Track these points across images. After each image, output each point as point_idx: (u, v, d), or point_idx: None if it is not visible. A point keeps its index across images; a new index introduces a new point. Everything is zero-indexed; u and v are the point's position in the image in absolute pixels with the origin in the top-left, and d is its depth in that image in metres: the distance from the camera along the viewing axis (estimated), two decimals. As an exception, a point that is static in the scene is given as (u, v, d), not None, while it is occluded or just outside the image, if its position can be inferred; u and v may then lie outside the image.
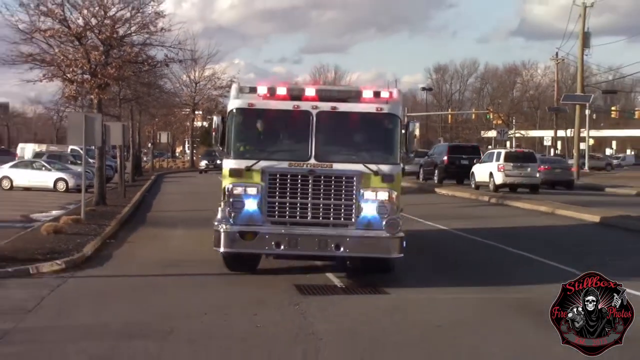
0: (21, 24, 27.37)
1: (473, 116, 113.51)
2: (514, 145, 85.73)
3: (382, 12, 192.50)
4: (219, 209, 14.21)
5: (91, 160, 31.13)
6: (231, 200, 13.84)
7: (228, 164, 14.28)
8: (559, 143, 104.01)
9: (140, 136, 71.09)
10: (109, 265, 16.85)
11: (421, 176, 52.94)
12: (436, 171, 49.74)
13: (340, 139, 14.61)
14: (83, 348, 9.97)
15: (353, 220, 13.82)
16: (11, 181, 41.97)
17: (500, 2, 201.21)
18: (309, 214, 13.88)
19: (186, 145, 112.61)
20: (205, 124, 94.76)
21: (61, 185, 41.06)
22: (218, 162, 44.39)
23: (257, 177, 13.88)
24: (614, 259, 18.13)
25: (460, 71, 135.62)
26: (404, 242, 13.82)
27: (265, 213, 13.85)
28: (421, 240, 20.52)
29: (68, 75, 27.92)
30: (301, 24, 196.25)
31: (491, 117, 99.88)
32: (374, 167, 13.82)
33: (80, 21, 28.08)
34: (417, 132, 15.29)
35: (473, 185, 44.43)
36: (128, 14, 28.91)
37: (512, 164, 41.51)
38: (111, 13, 28.41)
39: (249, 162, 13.95)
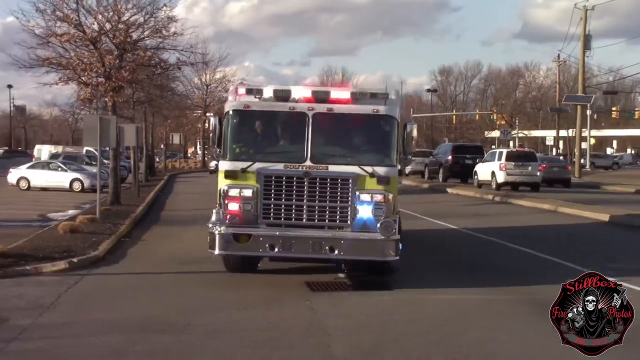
0: (38, 29, 27.53)
1: (477, 117, 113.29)
2: (517, 145, 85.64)
3: (389, 16, 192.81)
4: (214, 210, 13.94)
5: (106, 161, 31.15)
6: (226, 202, 13.53)
7: (224, 165, 13.85)
8: (560, 143, 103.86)
9: (153, 137, 71.22)
10: (124, 263, 16.88)
11: (426, 175, 53.20)
12: (441, 170, 50.10)
13: (336, 140, 14.27)
14: (100, 343, 9.98)
15: (348, 222, 13.42)
16: (28, 182, 42.05)
17: (503, 6, 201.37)
18: (304, 216, 13.48)
19: (198, 146, 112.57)
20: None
21: (77, 186, 41.12)
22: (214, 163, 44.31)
23: (252, 179, 13.51)
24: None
25: (464, 73, 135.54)
26: (400, 244, 13.45)
27: (261, 215, 13.50)
28: (430, 239, 20.49)
29: (83, 78, 28.02)
30: (310, 28, 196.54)
31: (495, 117, 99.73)
32: (369, 169, 13.41)
33: (95, 26, 28.19)
34: (414, 134, 14.88)
35: (476, 184, 44.49)
36: (141, 19, 29.00)
37: (513, 163, 41.74)
38: (125, 18, 28.48)
39: (245, 164, 13.57)
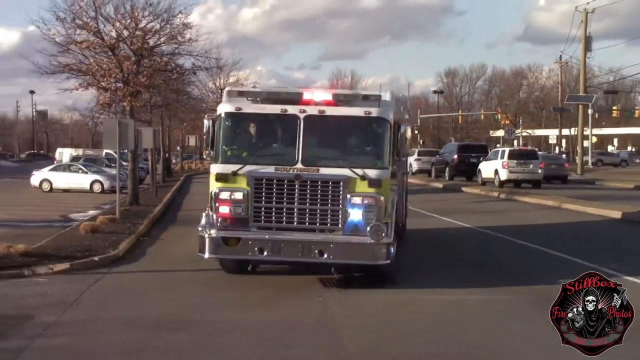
0: (58, 37, 27.60)
1: (482, 117, 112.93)
2: (521, 144, 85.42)
3: (396, 20, 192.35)
4: (203, 214, 13.41)
5: (124, 163, 31.25)
6: (217, 205, 13.08)
7: (215, 168, 13.32)
8: (563, 141, 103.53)
9: (170, 140, 71.29)
10: (143, 261, 16.91)
11: (433, 174, 53.36)
12: (447, 169, 50.39)
13: (328, 143, 13.74)
14: (120, 340, 10.01)
15: (340, 225, 12.83)
16: (51, 183, 42.20)
17: (507, 10, 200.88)
18: (295, 219, 12.92)
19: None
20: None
21: (97, 187, 41.23)
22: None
23: (243, 182, 12.98)
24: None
25: (469, 75, 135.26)
26: (391, 248, 12.84)
27: (252, 218, 12.97)
28: (439, 236, 20.42)
29: (102, 83, 28.09)
30: (320, 33, 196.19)
31: (499, 117, 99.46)
32: (360, 171, 12.76)
33: (113, 33, 28.27)
34: (408, 135, 14.18)
35: (480, 182, 44.55)
36: (158, 26, 29.02)
37: (515, 161, 41.87)
38: (142, 25, 28.52)
39: (235, 167, 13.04)
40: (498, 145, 68.64)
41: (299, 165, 12.91)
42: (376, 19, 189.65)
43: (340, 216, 12.86)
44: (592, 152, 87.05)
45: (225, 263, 14.17)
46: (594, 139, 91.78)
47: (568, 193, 35.73)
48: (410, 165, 49.82)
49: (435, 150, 63.88)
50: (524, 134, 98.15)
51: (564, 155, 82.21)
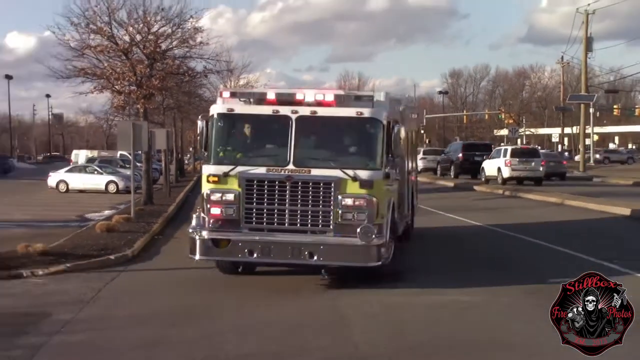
0: (73, 42, 27.66)
1: (486, 116, 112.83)
2: (524, 142, 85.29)
3: (402, 23, 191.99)
4: (194, 215, 13.17)
5: (139, 164, 31.20)
6: (208, 206, 12.72)
7: (207, 169, 12.95)
8: (565, 139, 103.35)
9: (183, 141, 71.20)
10: (158, 259, 16.91)
11: (438, 172, 53.61)
12: (452, 167, 50.79)
13: (320, 144, 13.38)
14: (136, 336, 10.01)
15: (331, 227, 12.43)
16: (67, 184, 42.25)
17: (509, 12, 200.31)
18: (286, 220, 12.53)
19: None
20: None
21: (112, 187, 41.27)
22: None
23: (234, 183, 12.60)
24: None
25: (473, 75, 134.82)
26: (383, 249, 12.44)
27: (243, 220, 12.60)
28: (453, 235, 20.32)
29: (116, 87, 28.14)
30: (327, 36, 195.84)
31: (503, 116, 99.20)
32: (351, 172, 12.33)
33: (127, 37, 28.27)
34: (402, 135, 13.81)
35: (483, 179, 44.62)
36: (169, 30, 29.01)
37: (517, 159, 42.13)
38: (154, 29, 28.52)
39: (227, 168, 12.65)
40: (502, 144, 68.59)
41: (291, 166, 12.53)
42: (382, 22, 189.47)
43: (331, 218, 12.45)
44: (600, 150, 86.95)
45: (221, 264, 13.84)
46: (596, 137, 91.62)
47: (569, 190, 35.54)
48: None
49: (441, 149, 63.95)
50: (527, 132, 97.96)
51: (566, 153, 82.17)
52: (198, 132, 13.45)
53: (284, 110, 12.76)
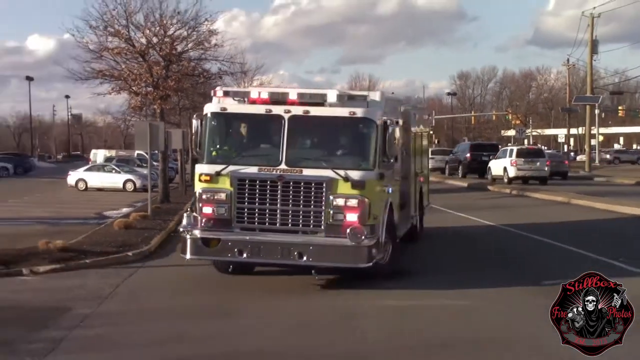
0: (91, 45, 27.90)
1: (493, 117, 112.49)
2: (531, 143, 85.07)
3: (411, 26, 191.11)
4: (185, 214, 12.90)
5: (155, 163, 31.28)
6: (200, 205, 12.39)
7: (200, 168, 12.70)
8: (571, 140, 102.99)
9: (198, 141, 71.25)
10: (174, 256, 16.80)
11: (447, 171, 53.55)
12: (460, 167, 50.84)
13: (312, 144, 13.11)
14: (153, 330, 10.05)
15: (322, 227, 12.06)
16: (86, 183, 42.36)
17: (517, 15, 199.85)
18: (278, 220, 12.17)
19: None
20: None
21: (129, 186, 41.34)
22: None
23: (226, 182, 12.26)
24: None
25: (481, 77, 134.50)
26: (374, 250, 12.03)
27: (235, 219, 12.26)
28: (465, 235, 20.24)
29: (134, 88, 28.25)
30: (338, 38, 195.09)
31: (510, 117, 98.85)
32: (342, 173, 11.96)
33: (143, 40, 28.40)
34: (397, 135, 13.41)
35: (489, 179, 44.59)
36: (185, 33, 29.07)
37: (523, 159, 42.10)
38: (170, 32, 28.60)
39: (219, 167, 12.33)
40: (509, 144, 68.46)
41: (283, 166, 12.19)
42: (392, 25, 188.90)
43: (322, 218, 12.09)
44: (611, 150, 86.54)
45: (217, 262, 13.53)
46: (601, 138, 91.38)
47: (574, 189, 35.43)
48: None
49: (449, 150, 63.90)
50: (534, 133, 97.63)
51: (572, 154, 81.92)
52: (193, 131, 13.08)
53: (277, 109, 12.44)
